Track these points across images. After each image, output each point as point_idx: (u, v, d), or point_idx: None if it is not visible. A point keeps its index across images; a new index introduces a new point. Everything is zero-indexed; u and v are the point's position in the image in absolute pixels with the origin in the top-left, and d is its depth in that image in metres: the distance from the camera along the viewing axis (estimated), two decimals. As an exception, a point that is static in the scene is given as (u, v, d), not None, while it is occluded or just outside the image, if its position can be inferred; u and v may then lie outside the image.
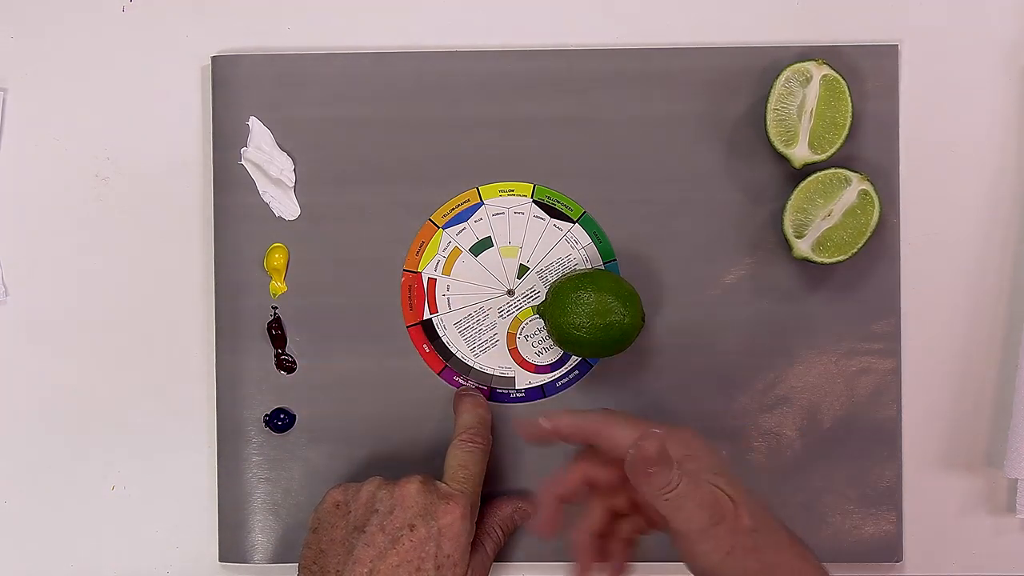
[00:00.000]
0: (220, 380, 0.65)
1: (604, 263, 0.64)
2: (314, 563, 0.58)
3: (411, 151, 0.65)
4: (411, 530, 0.56)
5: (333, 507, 0.59)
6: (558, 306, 0.61)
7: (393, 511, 0.57)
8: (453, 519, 0.57)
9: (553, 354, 0.65)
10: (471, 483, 0.59)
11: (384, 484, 0.59)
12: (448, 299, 0.65)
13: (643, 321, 0.62)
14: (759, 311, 0.64)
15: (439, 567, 0.56)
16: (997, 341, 0.65)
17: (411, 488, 0.58)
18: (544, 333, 0.65)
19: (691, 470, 0.52)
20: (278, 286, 0.65)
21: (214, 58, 0.65)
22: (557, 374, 0.64)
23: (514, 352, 0.65)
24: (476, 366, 0.65)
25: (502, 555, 0.63)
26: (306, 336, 0.65)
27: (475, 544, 0.60)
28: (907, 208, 0.64)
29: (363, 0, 0.66)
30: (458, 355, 0.65)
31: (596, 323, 0.60)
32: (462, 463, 0.60)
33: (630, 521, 0.57)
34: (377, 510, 0.57)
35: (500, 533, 0.62)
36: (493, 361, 0.65)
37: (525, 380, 0.65)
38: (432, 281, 0.65)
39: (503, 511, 0.62)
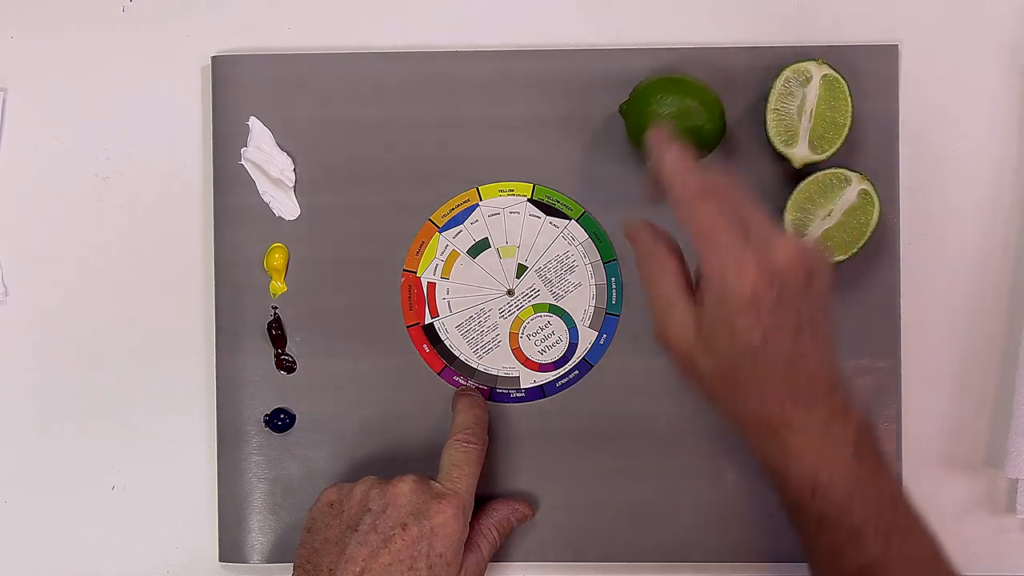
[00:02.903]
0: (220, 380, 0.65)
1: (604, 262, 0.64)
2: (308, 562, 0.58)
3: (411, 151, 0.65)
4: (403, 529, 0.56)
5: (327, 506, 0.59)
6: (640, 106, 0.60)
7: (386, 510, 0.57)
8: (446, 519, 0.57)
9: (557, 351, 0.65)
10: (465, 482, 0.59)
11: (377, 483, 0.59)
12: (448, 302, 0.65)
13: (725, 131, 0.61)
14: (759, 311, 0.64)
15: (431, 566, 0.56)
16: (997, 341, 0.65)
17: (404, 487, 0.58)
18: (547, 332, 0.65)
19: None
20: (278, 286, 0.65)
21: (214, 58, 0.65)
22: (558, 373, 0.65)
23: (517, 352, 0.65)
24: (480, 368, 0.65)
25: (499, 555, 0.63)
26: (306, 336, 0.65)
27: (471, 544, 0.60)
28: (907, 208, 0.64)
29: (363, 0, 0.66)
30: (461, 358, 0.65)
31: (678, 126, 0.59)
32: (456, 462, 0.60)
33: None
34: (370, 509, 0.57)
35: (496, 534, 0.62)
36: (497, 362, 0.65)
37: (529, 379, 0.65)
38: (432, 285, 0.65)
39: (500, 512, 0.62)
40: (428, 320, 0.65)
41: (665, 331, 0.54)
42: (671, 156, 0.54)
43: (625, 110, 0.62)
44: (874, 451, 0.54)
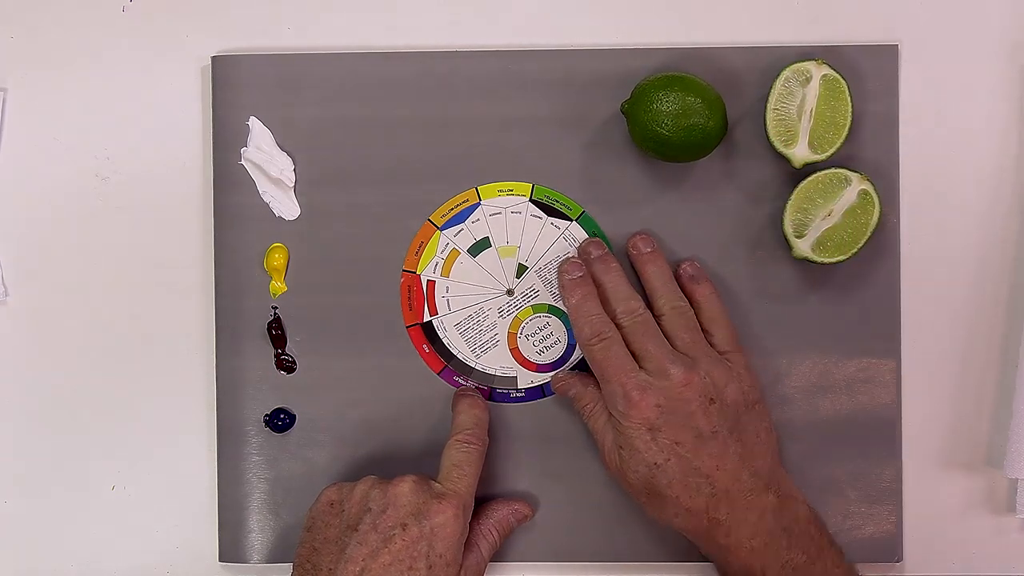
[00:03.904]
0: (220, 380, 0.65)
1: (604, 263, 0.64)
2: (308, 561, 0.58)
3: (411, 151, 0.65)
4: (403, 529, 0.56)
5: (327, 506, 0.59)
6: (642, 105, 0.61)
7: (386, 510, 0.57)
8: (445, 519, 0.57)
9: (555, 352, 0.65)
10: (465, 483, 0.59)
11: (378, 483, 0.59)
12: (448, 300, 0.65)
13: (726, 129, 0.61)
14: (759, 311, 0.64)
15: (431, 566, 0.56)
16: (997, 341, 0.65)
17: (404, 487, 0.58)
18: (545, 332, 0.65)
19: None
20: (278, 286, 0.65)
21: (214, 58, 0.65)
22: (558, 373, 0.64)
23: (515, 352, 0.65)
24: (478, 367, 0.65)
25: (499, 555, 0.63)
26: (306, 336, 0.65)
27: (470, 545, 0.60)
28: (907, 208, 0.64)
29: (363, 0, 0.66)
30: (459, 356, 0.65)
31: (679, 123, 0.60)
32: (456, 463, 0.60)
33: None
34: (370, 509, 0.57)
35: (496, 535, 0.62)
36: (495, 361, 0.65)
37: (527, 379, 0.65)
38: (431, 283, 0.65)
39: (500, 513, 0.62)
40: (427, 318, 0.65)
41: (602, 458, 0.61)
42: (571, 301, 0.61)
43: (627, 109, 0.62)
44: (816, 539, 0.59)
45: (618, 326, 0.60)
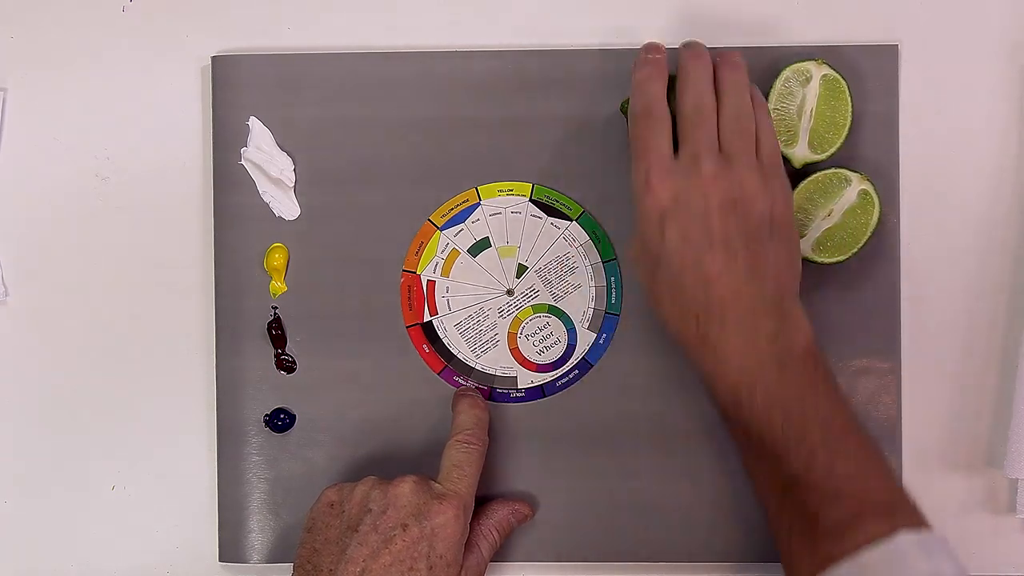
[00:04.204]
0: (220, 380, 0.65)
1: (604, 261, 0.64)
2: (308, 562, 0.58)
3: (410, 151, 0.65)
4: (404, 530, 0.56)
5: (327, 506, 0.59)
6: None
7: (386, 511, 0.57)
8: (446, 519, 0.57)
9: (555, 352, 0.65)
10: (465, 483, 0.59)
11: (378, 484, 0.59)
12: (448, 300, 0.65)
13: None
14: (759, 311, 0.64)
15: (432, 567, 0.56)
16: (997, 341, 0.65)
17: (404, 488, 0.58)
18: (545, 332, 0.65)
19: None
20: (278, 286, 0.65)
21: (214, 58, 0.65)
22: (558, 373, 0.65)
23: (515, 352, 0.65)
24: (478, 367, 0.65)
25: (499, 555, 0.63)
26: (306, 336, 0.65)
27: (470, 545, 0.60)
28: (907, 208, 0.64)
29: (363, 0, 0.66)
30: (459, 356, 0.65)
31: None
32: (457, 463, 0.60)
33: None
34: (370, 509, 0.57)
35: (496, 535, 0.62)
36: (495, 361, 0.65)
37: (527, 379, 0.65)
38: (431, 283, 0.65)
39: (500, 513, 0.62)
40: (427, 318, 0.65)
41: (627, 248, 0.60)
42: (638, 75, 0.59)
43: (626, 108, 0.62)
44: (810, 372, 0.56)
45: (679, 100, 0.58)
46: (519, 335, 0.65)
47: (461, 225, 0.65)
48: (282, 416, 0.65)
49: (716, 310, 0.56)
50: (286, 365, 0.65)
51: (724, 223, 0.55)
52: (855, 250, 0.62)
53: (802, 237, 0.62)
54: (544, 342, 0.65)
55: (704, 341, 0.56)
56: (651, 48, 0.60)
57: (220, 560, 0.65)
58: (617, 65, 0.64)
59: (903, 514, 0.53)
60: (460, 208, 0.65)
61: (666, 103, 0.58)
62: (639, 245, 0.58)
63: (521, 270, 0.65)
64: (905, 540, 0.51)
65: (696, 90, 0.58)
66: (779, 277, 0.56)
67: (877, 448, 0.56)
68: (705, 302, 0.56)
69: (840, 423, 0.56)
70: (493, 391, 0.65)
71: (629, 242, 0.59)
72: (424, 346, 0.65)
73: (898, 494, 0.55)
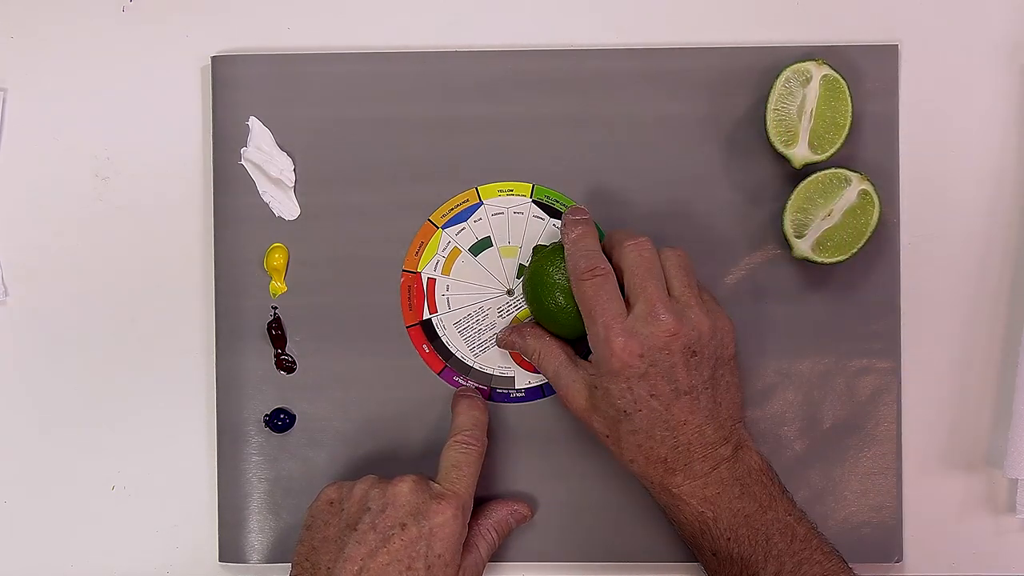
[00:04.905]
0: (220, 380, 0.65)
1: (604, 263, 0.64)
2: (307, 560, 0.58)
3: (411, 151, 0.65)
4: (402, 529, 0.56)
5: (327, 505, 0.59)
6: (537, 278, 0.61)
7: (385, 510, 0.57)
8: (445, 519, 0.57)
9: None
10: (464, 483, 0.59)
11: (377, 483, 0.59)
12: (448, 299, 0.65)
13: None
14: (759, 311, 0.64)
15: (430, 567, 0.56)
16: (997, 341, 0.65)
17: (403, 487, 0.58)
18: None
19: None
20: (278, 286, 0.65)
21: (214, 58, 0.65)
22: (557, 374, 0.64)
23: (513, 352, 0.65)
24: (476, 366, 0.65)
25: (498, 555, 0.63)
26: (306, 336, 0.65)
27: (469, 545, 0.60)
28: (907, 208, 0.64)
29: (363, 0, 0.66)
30: (458, 355, 0.65)
31: (573, 304, 0.60)
32: (455, 463, 0.60)
33: None
34: (369, 508, 0.57)
35: (495, 535, 0.62)
36: (493, 361, 0.65)
37: (525, 380, 0.65)
38: (432, 281, 0.65)
39: (498, 513, 0.62)
40: (426, 316, 0.65)
41: (563, 396, 0.60)
42: (572, 235, 0.60)
43: (539, 254, 0.62)
44: (766, 487, 0.59)
45: (620, 261, 0.59)
46: (519, 335, 0.65)
47: (463, 224, 0.65)
48: (282, 416, 0.65)
49: (683, 451, 0.58)
50: (286, 365, 0.65)
51: (687, 373, 0.57)
52: (855, 250, 0.62)
53: (802, 237, 0.62)
54: (544, 342, 0.65)
55: (670, 476, 0.58)
56: (575, 211, 0.61)
57: (220, 560, 0.65)
58: (617, 65, 0.64)
59: None
60: (460, 208, 0.65)
61: (606, 259, 0.59)
62: (591, 397, 0.59)
63: (522, 270, 0.65)
64: None
65: (636, 245, 0.59)
66: (731, 408, 0.59)
67: (838, 554, 0.59)
68: (673, 445, 0.58)
69: (803, 531, 0.58)
70: (493, 391, 0.65)
71: (574, 396, 0.60)
72: (424, 346, 0.65)
73: None
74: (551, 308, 0.60)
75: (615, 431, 0.58)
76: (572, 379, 0.60)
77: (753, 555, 0.57)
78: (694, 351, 0.57)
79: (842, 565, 0.58)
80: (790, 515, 0.59)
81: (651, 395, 0.57)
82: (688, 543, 0.61)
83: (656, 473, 0.58)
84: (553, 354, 0.61)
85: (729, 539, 0.58)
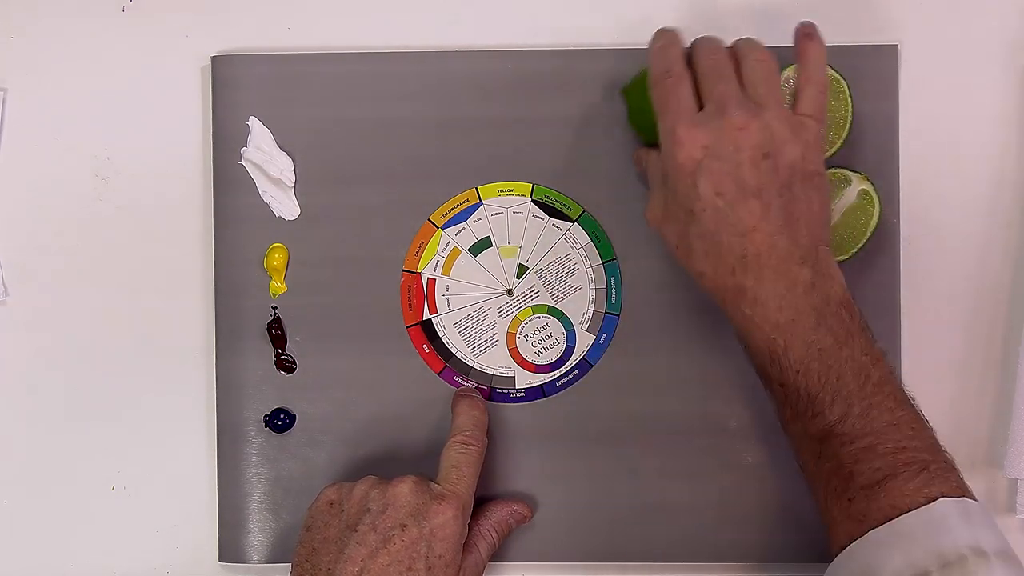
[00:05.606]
0: (220, 380, 0.65)
1: (604, 262, 0.64)
2: (307, 561, 0.58)
3: (410, 151, 0.65)
4: (402, 530, 0.56)
5: (327, 505, 0.59)
6: (643, 87, 0.59)
7: (385, 511, 0.57)
8: (445, 520, 0.57)
9: (553, 353, 0.65)
10: (464, 484, 0.59)
11: (377, 483, 0.59)
12: (448, 299, 0.65)
13: None
14: (759, 311, 0.64)
15: (430, 567, 0.56)
16: (997, 341, 0.65)
17: (404, 488, 0.58)
18: (544, 333, 0.65)
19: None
20: (278, 286, 0.65)
21: (214, 58, 0.65)
22: (557, 374, 0.64)
23: (514, 352, 0.65)
24: (476, 366, 0.65)
25: (498, 555, 0.63)
26: (306, 336, 0.65)
27: (469, 546, 0.60)
28: (907, 208, 0.64)
29: (363, 0, 0.66)
30: (458, 355, 0.65)
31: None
32: (455, 464, 0.60)
33: None
34: (369, 509, 0.57)
35: (495, 535, 0.62)
36: (493, 361, 0.65)
37: (525, 380, 0.65)
38: (431, 281, 0.65)
39: (499, 513, 0.62)
40: (426, 316, 0.65)
41: (647, 211, 0.59)
42: (655, 46, 0.58)
43: (627, 90, 0.62)
44: (846, 323, 0.55)
45: (696, 66, 0.57)
46: (518, 335, 0.65)
47: (463, 224, 0.65)
48: (282, 416, 0.65)
49: (752, 261, 0.54)
50: (286, 365, 0.65)
51: (756, 173, 0.54)
52: (855, 250, 0.62)
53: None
54: (543, 343, 0.65)
55: (741, 293, 0.55)
56: (660, 32, 0.59)
57: (220, 560, 0.65)
58: (617, 65, 0.64)
59: (938, 476, 0.53)
60: (461, 208, 0.65)
61: (685, 65, 0.57)
62: (664, 202, 0.57)
63: (522, 270, 0.65)
64: (945, 506, 0.52)
65: (710, 51, 0.57)
66: (812, 226, 0.55)
67: (912, 403, 0.56)
68: (741, 254, 0.54)
69: (878, 375, 0.55)
70: (493, 391, 0.65)
71: (648, 204, 0.58)
72: (424, 346, 0.65)
73: (933, 453, 0.54)
74: (646, 122, 0.59)
75: (685, 238, 0.56)
76: (653, 188, 0.58)
77: (821, 393, 0.54)
78: (766, 153, 0.54)
79: (914, 415, 0.55)
80: (866, 355, 0.55)
81: (716, 193, 0.54)
82: (757, 371, 0.58)
83: (727, 284, 0.55)
84: (653, 164, 0.59)
85: (798, 372, 0.55)
